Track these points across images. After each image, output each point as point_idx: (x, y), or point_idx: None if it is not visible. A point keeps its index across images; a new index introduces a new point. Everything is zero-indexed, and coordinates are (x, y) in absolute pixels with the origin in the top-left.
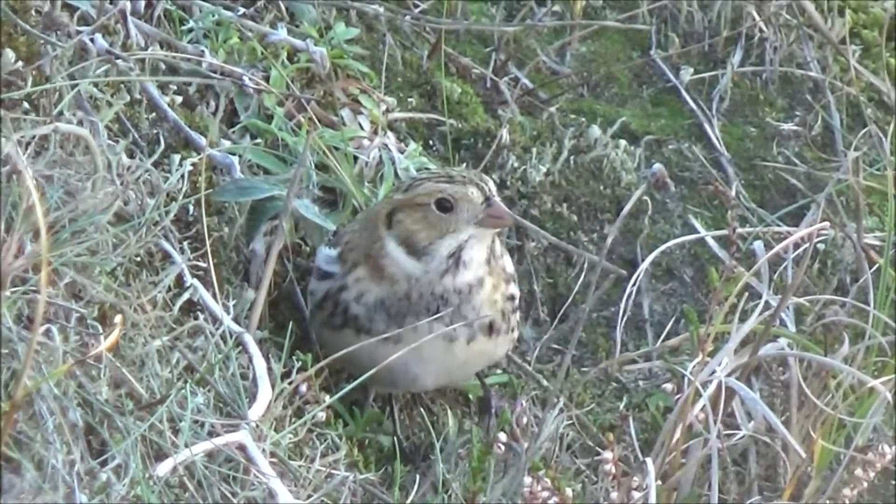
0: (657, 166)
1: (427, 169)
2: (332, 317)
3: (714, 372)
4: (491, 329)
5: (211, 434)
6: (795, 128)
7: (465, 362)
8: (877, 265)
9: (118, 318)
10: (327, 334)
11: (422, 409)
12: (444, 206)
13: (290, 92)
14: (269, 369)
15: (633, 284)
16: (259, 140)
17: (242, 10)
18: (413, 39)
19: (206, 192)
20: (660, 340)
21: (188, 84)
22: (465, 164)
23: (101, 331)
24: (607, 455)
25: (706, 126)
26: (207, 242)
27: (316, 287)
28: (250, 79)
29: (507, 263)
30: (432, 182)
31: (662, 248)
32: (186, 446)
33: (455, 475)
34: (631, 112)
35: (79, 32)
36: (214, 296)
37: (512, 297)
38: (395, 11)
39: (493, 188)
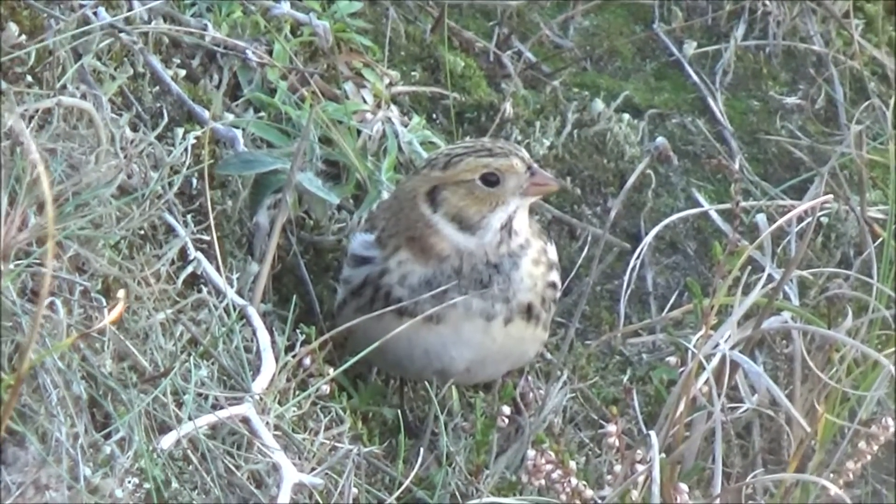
0: (660, 140)
1: (461, 143)
2: (371, 302)
3: (717, 345)
4: (530, 312)
5: (214, 407)
6: (798, 101)
7: (500, 348)
8: (880, 238)
9: (122, 292)
10: (363, 321)
11: (426, 382)
12: (490, 180)
13: (294, 66)
14: (273, 342)
15: (637, 258)
16: (262, 113)
17: None
18: (416, 13)
19: (210, 165)
20: (663, 314)
21: (191, 58)
22: (468, 138)
23: (104, 304)
24: (611, 428)
25: (709, 100)
26: (211, 216)
27: (352, 273)
28: (253, 52)
29: (551, 251)
30: (473, 157)
31: (666, 221)
32: (190, 419)
33: (459, 448)
34: (634, 86)
35: (82, 6)
36: (218, 269)
37: (553, 285)
38: None
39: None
